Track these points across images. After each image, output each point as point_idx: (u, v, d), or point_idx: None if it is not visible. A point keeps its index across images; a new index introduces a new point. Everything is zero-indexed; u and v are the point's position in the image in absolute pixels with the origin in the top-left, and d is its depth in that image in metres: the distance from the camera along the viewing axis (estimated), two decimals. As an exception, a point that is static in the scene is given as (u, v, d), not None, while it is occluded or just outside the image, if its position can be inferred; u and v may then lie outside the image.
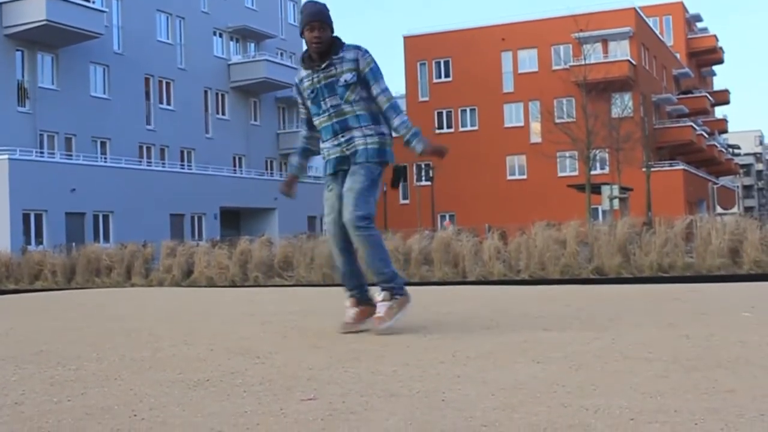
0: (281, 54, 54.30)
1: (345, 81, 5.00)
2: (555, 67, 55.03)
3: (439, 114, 58.41)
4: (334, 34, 5.10)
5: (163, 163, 43.81)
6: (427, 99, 58.89)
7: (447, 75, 58.82)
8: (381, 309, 4.98)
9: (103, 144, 41.05)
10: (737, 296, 7.00)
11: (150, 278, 24.21)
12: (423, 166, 54.98)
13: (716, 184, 68.84)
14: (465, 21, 70.09)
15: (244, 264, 23.44)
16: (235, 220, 48.00)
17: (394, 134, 5.19)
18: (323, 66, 5.04)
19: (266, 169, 52.46)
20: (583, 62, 45.63)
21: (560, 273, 19.95)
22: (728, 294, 7.32)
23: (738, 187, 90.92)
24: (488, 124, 56.89)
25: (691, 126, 62.22)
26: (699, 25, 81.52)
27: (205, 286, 20.58)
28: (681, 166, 56.31)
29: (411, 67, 59.79)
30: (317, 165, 61.41)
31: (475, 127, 57.46)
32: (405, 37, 60.25)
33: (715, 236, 19.59)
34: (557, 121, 49.99)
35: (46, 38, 37.61)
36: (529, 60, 56.79)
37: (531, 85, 55.66)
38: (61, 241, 31.90)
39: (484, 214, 49.46)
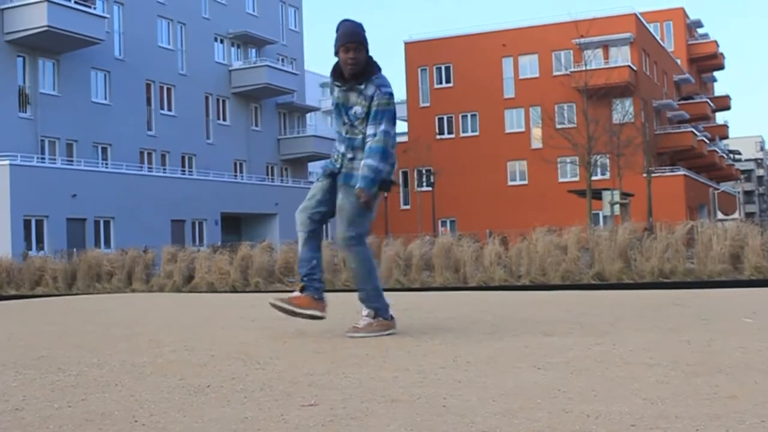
0: (282, 60, 54.33)
1: (354, 113, 5.15)
2: (556, 73, 55.05)
3: (440, 120, 58.43)
4: (375, 61, 5.19)
5: (164, 169, 43.82)
6: (428, 105, 58.93)
7: (448, 81, 58.85)
8: (362, 322, 5.18)
9: (104, 149, 41.07)
10: (738, 302, 6.99)
11: (151, 284, 24.19)
12: (424, 171, 55.02)
13: (717, 189, 68.92)
14: (466, 27, 70.19)
15: (245, 269, 23.42)
16: (236, 226, 48.00)
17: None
18: (345, 88, 5.18)
19: (267, 175, 52.47)
20: (584, 68, 45.67)
21: (561, 278, 19.93)
22: (729, 300, 7.32)
23: (739, 192, 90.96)
24: (489, 130, 56.91)
25: (692, 131, 62.22)
26: (700, 30, 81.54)
27: (206, 292, 20.57)
28: (682, 172, 56.29)
29: (412, 73, 59.83)
30: (318, 170, 61.38)
31: (476, 133, 57.48)
32: (406, 43, 60.29)
33: (716, 242, 19.56)
34: (558, 126, 50.01)
35: (48, 44, 37.65)
36: (530, 65, 56.82)
37: (532, 90, 55.67)
38: (62, 247, 31.90)
39: (485, 219, 49.43)
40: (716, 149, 74.60)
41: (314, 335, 5.22)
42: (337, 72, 5.23)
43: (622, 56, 55.71)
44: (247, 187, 47.31)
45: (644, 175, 47.13)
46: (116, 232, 37.70)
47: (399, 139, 57.60)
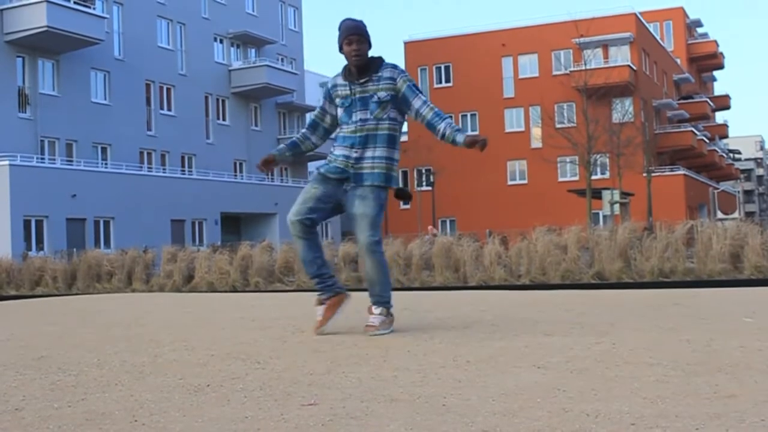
0: (282, 60, 54.33)
1: (378, 98, 5.19)
2: (555, 73, 55.07)
3: (440, 119, 58.38)
4: (378, 55, 5.31)
5: (164, 169, 43.82)
6: (427, 104, 58.87)
7: (448, 80, 58.87)
8: (376, 320, 5.21)
9: (103, 150, 41.07)
10: (738, 301, 6.99)
11: (151, 284, 24.20)
12: (424, 171, 55.03)
13: (717, 189, 68.91)
14: (465, 26, 70.21)
15: (245, 269, 23.42)
16: (236, 226, 48.00)
17: (441, 138, 5.33)
18: (362, 81, 5.22)
19: (267, 175, 52.43)
20: (583, 67, 45.69)
21: (561, 278, 19.92)
22: (729, 299, 7.31)
23: (739, 192, 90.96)
24: (489, 129, 56.88)
25: (692, 131, 62.23)
26: (699, 30, 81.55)
27: (206, 292, 20.57)
28: (682, 171, 56.31)
29: (412, 73, 59.79)
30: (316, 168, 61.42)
31: (476, 132, 57.49)
32: (405, 43, 60.32)
33: (716, 241, 19.56)
34: (558, 126, 50.03)
35: (47, 44, 37.65)
36: (529, 65, 56.84)
37: (531, 90, 55.68)
38: (61, 247, 31.91)
39: (484, 218, 49.47)
40: (716, 149, 74.62)
41: (314, 335, 5.22)
42: (348, 71, 5.29)
43: (621, 56, 55.73)
44: (246, 187, 47.31)
45: (644, 174, 47.15)
46: (116, 232, 37.69)
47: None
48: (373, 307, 5.26)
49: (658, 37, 65.77)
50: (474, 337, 4.89)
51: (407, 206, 57.12)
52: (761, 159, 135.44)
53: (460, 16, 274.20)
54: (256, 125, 52.31)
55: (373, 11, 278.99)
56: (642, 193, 45.31)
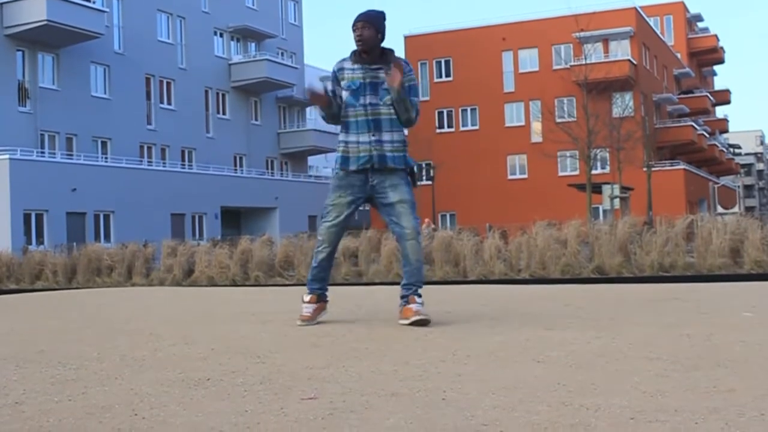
0: (282, 54, 54.28)
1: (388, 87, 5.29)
2: (556, 67, 54.99)
3: (440, 113, 58.39)
4: (390, 47, 5.43)
5: (164, 163, 43.81)
6: (427, 98, 58.80)
7: (448, 74, 58.78)
8: (415, 307, 5.24)
9: (103, 144, 41.07)
10: (738, 296, 6.99)
11: (151, 278, 24.18)
12: (424, 165, 54.98)
13: (717, 183, 68.84)
14: (466, 21, 70.22)
15: (245, 263, 23.41)
16: (236, 220, 48.01)
17: (402, 122, 5.43)
18: (375, 67, 5.33)
19: (267, 169, 52.45)
20: (583, 62, 45.57)
21: (561, 272, 19.92)
22: (729, 293, 7.32)
23: (739, 186, 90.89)
24: (489, 124, 56.88)
25: (692, 126, 62.18)
26: (700, 24, 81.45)
27: (206, 286, 20.57)
28: (682, 166, 56.27)
29: (412, 67, 59.72)
30: (317, 164, 61.35)
31: (476, 127, 57.45)
32: (406, 37, 60.21)
33: (715, 236, 19.55)
34: (558, 120, 49.94)
35: (47, 38, 37.61)
36: (529, 59, 56.76)
37: (532, 84, 55.62)
38: (61, 241, 31.89)
39: (484, 213, 49.40)
40: (716, 143, 74.54)
41: (314, 329, 5.22)
42: (359, 55, 5.38)
43: (622, 50, 55.65)
44: (246, 181, 47.31)
45: (644, 169, 47.12)
46: (116, 226, 37.70)
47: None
48: (416, 297, 5.30)
49: (658, 32, 65.69)
50: (474, 332, 4.90)
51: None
52: (761, 154, 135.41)
53: (461, 11, 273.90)
54: (256, 119, 52.28)
55: (373, 5, 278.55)
56: (642, 187, 45.29)
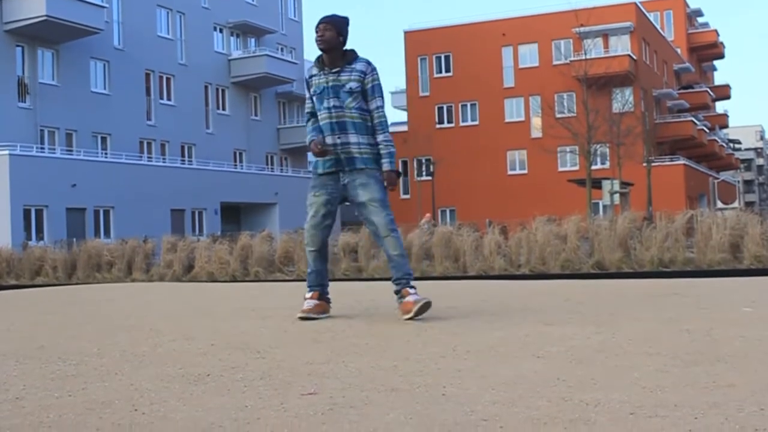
0: (281, 49, 54.23)
1: (350, 88, 5.43)
2: (556, 62, 54.94)
3: (440, 109, 58.36)
4: (351, 48, 5.56)
5: (164, 159, 43.79)
6: (427, 94, 58.84)
7: (447, 70, 58.73)
8: (412, 298, 5.31)
9: (103, 139, 41.03)
10: (738, 291, 7.00)
11: (151, 273, 24.18)
12: (423, 161, 54.98)
13: (717, 179, 68.87)
14: (465, 16, 70.15)
15: (245, 259, 23.41)
16: (236, 216, 48.00)
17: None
18: (335, 70, 5.46)
19: (267, 164, 52.43)
20: (583, 57, 45.56)
21: (561, 268, 19.92)
22: (729, 289, 7.32)
23: (739, 182, 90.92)
24: (489, 119, 56.84)
25: (692, 121, 62.14)
26: (700, 20, 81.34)
27: (206, 282, 20.58)
28: (682, 161, 56.25)
29: (411, 62, 59.72)
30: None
31: (476, 122, 57.42)
32: (405, 32, 60.16)
33: (715, 231, 19.54)
34: (558, 116, 49.92)
35: (47, 34, 37.56)
36: (529, 55, 56.70)
37: (532, 79, 55.58)
38: (61, 237, 31.89)
39: (484, 208, 49.41)
40: (716, 138, 74.51)
41: (314, 324, 5.23)
42: (321, 60, 5.55)
43: (622, 45, 55.60)
44: (246, 177, 47.29)
45: (644, 164, 47.09)
46: (116, 221, 37.69)
47: (399, 128, 57.76)
48: (409, 288, 5.37)
49: (658, 27, 65.60)
50: (474, 327, 4.90)
51: (407, 196, 57.12)
52: (761, 149, 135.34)
53: (460, 6, 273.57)
54: (255, 115, 52.25)
55: (372, 0, 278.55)
56: (642, 182, 45.27)
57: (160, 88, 44.87)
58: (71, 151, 38.19)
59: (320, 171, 5.53)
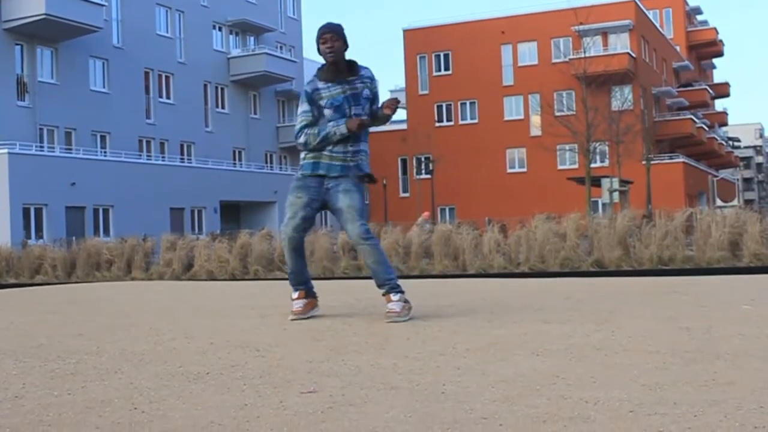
0: (281, 47, 54.21)
1: (366, 95, 5.46)
2: (555, 60, 54.92)
3: (439, 107, 58.34)
4: (351, 58, 5.51)
5: (163, 157, 43.77)
6: (426, 92, 58.80)
7: (447, 68, 58.71)
8: (396, 306, 5.28)
9: (102, 138, 41.02)
10: (737, 289, 7.00)
11: (150, 272, 24.19)
12: (423, 159, 54.96)
13: (716, 176, 68.81)
14: (465, 14, 70.12)
15: (244, 257, 23.42)
16: (235, 214, 47.99)
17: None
18: (350, 79, 5.44)
19: (266, 163, 52.42)
20: (583, 55, 45.52)
21: (560, 266, 19.93)
22: (728, 287, 7.32)
23: (738, 179, 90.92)
24: (488, 117, 56.82)
25: (691, 119, 62.12)
26: (699, 17, 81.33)
27: (206, 280, 20.58)
28: (681, 159, 56.24)
29: (411, 61, 59.68)
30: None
31: (475, 120, 57.40)
32: (405, 31, 60.12)
33: (715, 229, 19.55)
34: (557, 114, 49.88)
35: (46, 32, 37.54)
36: (528, 53, 56.68)
37: (531, 78, 55.56)
38: (61, 235, 31.89)
39: (484, 207, 49.41)
40: (715, 136, 74.48)
41: (313, 323, 5.23)
42: (328, 71, 5.44)
43: (621, 43, 55.57)
44: (246, 175, 47.29)
45: (643, 162, 47.08)
46: (115, 220, 37.69)
47: (398, 126, 57.78)
48: (392, 295, 5.34)
49: (657, 25, 65.58)
50: (473, 325, 4.90)
51: (406, 194, 57.13)
52: (760, 147, 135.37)
53: (460, 4, 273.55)
54: (255, 113, 52.23)
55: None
56: (641, 180, 45.27)
57: (159, 87, 44.86)
58: (70, 149, 38.18)
59: (308, 173, 5.50)
